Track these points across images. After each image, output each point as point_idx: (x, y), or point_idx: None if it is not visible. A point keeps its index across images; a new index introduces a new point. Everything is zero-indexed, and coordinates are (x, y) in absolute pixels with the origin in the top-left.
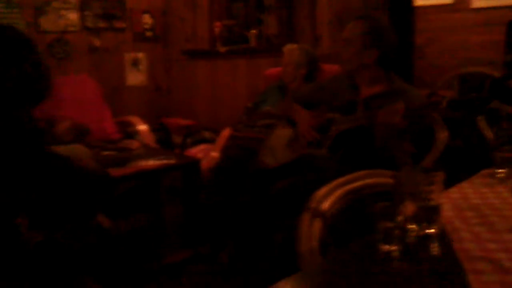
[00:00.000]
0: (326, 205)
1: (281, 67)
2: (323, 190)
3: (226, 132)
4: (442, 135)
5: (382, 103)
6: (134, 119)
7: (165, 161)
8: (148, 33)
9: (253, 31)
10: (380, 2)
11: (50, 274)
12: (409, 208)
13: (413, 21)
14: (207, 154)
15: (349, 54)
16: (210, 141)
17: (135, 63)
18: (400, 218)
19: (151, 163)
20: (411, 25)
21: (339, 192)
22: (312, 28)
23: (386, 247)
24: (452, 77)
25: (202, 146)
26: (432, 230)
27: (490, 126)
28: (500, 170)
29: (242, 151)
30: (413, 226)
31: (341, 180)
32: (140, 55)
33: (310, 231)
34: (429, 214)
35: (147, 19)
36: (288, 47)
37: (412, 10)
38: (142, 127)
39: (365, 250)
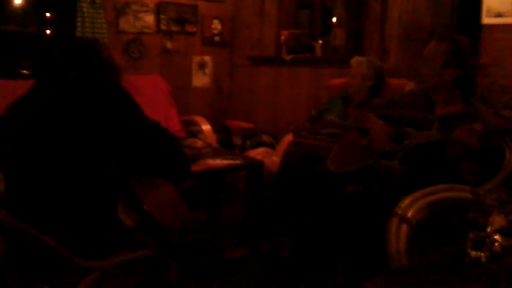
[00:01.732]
0: (411, 212)
1: (344, 78)
2: (408, 199)
3: (287, 138)
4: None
5: (457, 123)
6: (198, 118)
7: (232, 161)
8: (216, 38)
9: (320, 41)
10: (448, 20)
11: None
12: (497, 221)
13: (479, 39)
14: (265, 157)
15: (430, 72)
16: (269, 145)
17: (202, 65)
18: (490, 229)
19: (219, 162)
20: (478, 43)
21: (421, 202)
22: (380, 42)
23: (475, 253)
24: None
25: (260, 149)
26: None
27: None
28: None
29: (306, 157)
30: (499, 237)
31: (424, 191)
32: (207, 58)
33: (398, 235)
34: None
35: (216, 25)
36: (356, 59)
37: (479, 28)
38: (206, 127)
39: (453, 254)
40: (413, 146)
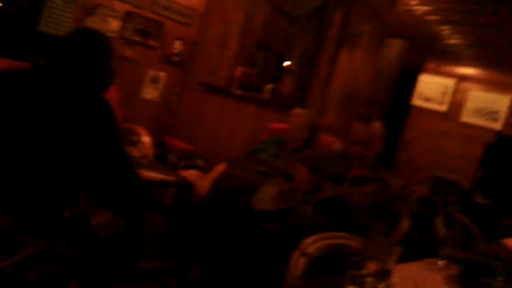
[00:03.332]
0: (311, 249)
1: (285, 124)
2: (311, 239)
3: (221, 167)
4: (405, 224)
5: (363, 184)
6: (141, 130)
7: (165, 176)
8: (175, 58)
9: (270, 85)
10: (382, 95)
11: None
12: (372, 266)
13: (407, 118)
14: (196, 179)
15: (359, 152)
16: (202, 169)
17: (155, 80)
18: (363, 272)
19: (154, 175)
20: (404, 121)
21: (322, 243)
22: (322, 99)
23: (350, 287)
24: (427, 176)
25: (193, 171)
26: (382, 285)
27: (445, 226)
28: (440, 262)
29: (233, 189)
30: (371, 279)
31: (325, 235)
32: (162, 74)
33: (297, 265)
34: (383, 274)
35: (177, 45)
36: (297, 111)
37: (408, 107)
38: (146, 139)
39: (335, 285)
40: (324, 197)
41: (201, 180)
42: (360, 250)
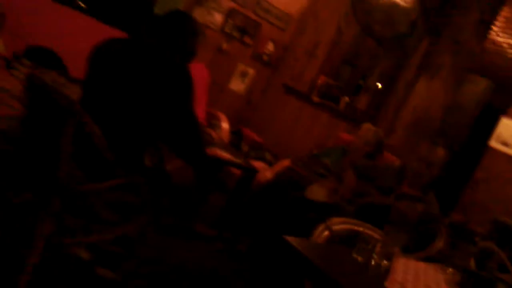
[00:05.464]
0: (337, 227)
1: (352, 136)
2: (338, 219)
3: (285, 162)
4: (439, 244)
5: (409, 201)
6: (222, 115)
7: (234, 158)
8: (265, 57)
9: (346, 98)
10: (458, 130)
11: None
12: (379, 246)
13: (481, 158)
14: (261, 170)
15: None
16: (269, 162)
17: (243, 74)
18: (370, 246)
19: (225, 154)
20: (478, 161)
21: (347, 226)
22: (392, 120)
23: (355, 255)
24: (490, 218)
25: (260, 163)
26: (385, 262)
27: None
28: (449, 269)
29: (291, 181)
30: (376, 256)
31: (352, 220)
32: (250, 70)
33: (320, 236)
34: (388, 255)
35: (270, 46)
36: (366, 126)
37: (485, 148)
38: (225, 125)
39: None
40: (365, 203)
41: (265, 171)
42: (377, 239)
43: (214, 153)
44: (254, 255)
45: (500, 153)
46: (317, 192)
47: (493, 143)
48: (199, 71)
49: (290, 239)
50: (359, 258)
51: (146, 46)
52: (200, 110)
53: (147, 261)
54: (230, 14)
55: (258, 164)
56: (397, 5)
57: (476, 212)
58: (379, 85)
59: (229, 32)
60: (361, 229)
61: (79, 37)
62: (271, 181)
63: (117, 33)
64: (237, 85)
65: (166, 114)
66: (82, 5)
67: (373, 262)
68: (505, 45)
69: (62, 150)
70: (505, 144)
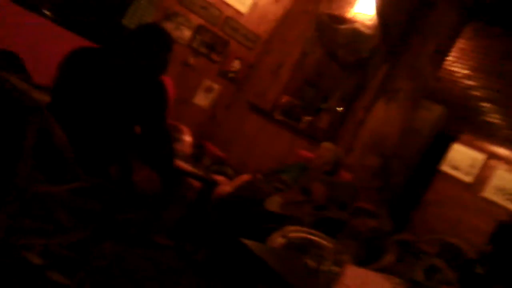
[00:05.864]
0: (292, 235)
1: (312, 153)
2: (293, 227)
3: (245, 177)
4: (389, 258)
5: (364, 216)
6: (185, 129)
7: (196, 170)
8: (231, 74)
9: (308, 117)
10: (412, 153)
11: None
12: (331, 254)
13: (432, 180)
14: (221, 183)
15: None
16: (230, 177)
17: (208, 90)
18: (324, 253)
19: (187, 166)
20: (429, 183)
21: (302, 234)
22: (352, 139)
23: (309, 261)
24: (438, 238)
25: (221, 178)
26: (336, 268)
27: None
28: (397, 279)
29: (250, 195)
30: (328, 262)
31: (306, 229)
32: (216, 86)
33: (275, 242)
34: (339, 263)
35: (236, 64)
36: (326, 145)
37: (436, 171)
38: (188, 138)
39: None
40: (325, 216)
41: (225, 184)
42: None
43: (176, 165)
44: (210, 264)
45: (451, 177)
46: (274, 203)
47: (444, 167)
48: (166, 84)
49: (247, 241)
50: (312, 263)
51: (121, 57)
52: None
53: (101, 269)
54: (198, 30)
55: (219, 178)
56: (360, 32)
57: (424, 231)
58: (340, 109)
59: (196, 48)
60: (315, 238)
61: (43, 44)
62: (231, 194)
63: (83, 42)
64: (202, 100)
65: (141, 124)
66: (47, 13)
67: (324, 268)
68: (459, 74)
69: (23, 150)
70: (455, 168)
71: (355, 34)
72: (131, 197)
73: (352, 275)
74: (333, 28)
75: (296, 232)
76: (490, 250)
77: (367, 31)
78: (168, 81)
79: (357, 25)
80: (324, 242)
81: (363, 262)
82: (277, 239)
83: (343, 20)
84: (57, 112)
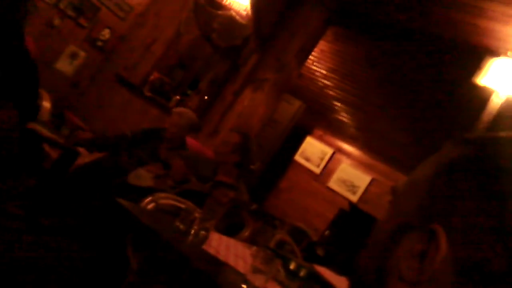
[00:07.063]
0: (161, 201)
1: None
2: (163, 194)
3: None
4: (245, 232)
5: (224, 188)
6: (44, 93)
7: (57, 137)
8: (99, 43)
9: (178, 96)
10: (271, 142)
11: None
12: (198, 221)
13: (286, 169)
14: (82, 155)
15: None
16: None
17: (73, 56)
18: (192, 217)
19: (46, 132)
20: (284, 171)
21: (171, 201)
22: (218, 122)
23: (178, 224)
24: (288, 223)
25: (81, 149)
26: (204, 232)
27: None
28: (254, 248)
29: (112, 167)
30: (196, 228)
31: (176, 197)
32: (82, 53)
33: (146, 207)
34: (205, 228)
35: (106, 33)
36: (179, 110)
37: (290, 161)
38: (47, 104)
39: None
40: (188, 189)
41: (85, 156)
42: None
43: (34, 128)
44: (55, 228)
45: (302, 167)
46: (143, 177)
47: (298, 158)
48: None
49: (122, 201)
50: (181, 226)
51: None
52: None
53: None
54: None
55: (78, 149)
56: (234, 20)
57: (277, 215)
58: (206, 97)
59: (63, 9)
60: (183, 206)
61: None
62: (90, 164)
63: None
64: (65, 66)
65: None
66: None
67: (192, 231)
68: (318, 73)
69: None
70: (307, 159)
71: (230, 21)
72: None
73: (217, 240)
74: (209, 11)
75: (166, 199)
76: (329, 235)
77: (241, 20)
78: (28, 40)
79: (232, 13)
80: (191, 210)
81: (224, 232)
82: (148, 204)
83: (219, 5)
84: None
